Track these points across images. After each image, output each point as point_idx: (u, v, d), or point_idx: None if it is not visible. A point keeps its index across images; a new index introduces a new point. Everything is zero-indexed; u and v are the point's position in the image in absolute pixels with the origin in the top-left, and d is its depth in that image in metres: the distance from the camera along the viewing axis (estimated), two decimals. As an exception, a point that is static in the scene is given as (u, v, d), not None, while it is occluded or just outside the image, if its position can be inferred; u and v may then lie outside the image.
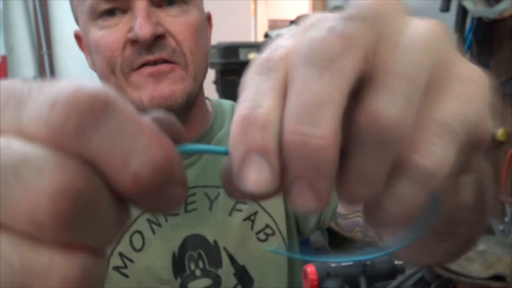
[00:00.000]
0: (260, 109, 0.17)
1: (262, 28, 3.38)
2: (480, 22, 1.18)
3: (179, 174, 0.17)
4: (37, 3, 2.64)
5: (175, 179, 0.17)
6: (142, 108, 0.52)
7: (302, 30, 0.18)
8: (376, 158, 0.17)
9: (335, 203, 0.59)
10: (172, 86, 0.52)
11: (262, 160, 0.17)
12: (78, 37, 0.62)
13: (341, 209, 0.57)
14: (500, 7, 1.05)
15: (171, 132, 0.18)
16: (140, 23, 0.50)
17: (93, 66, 0.58)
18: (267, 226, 0.62)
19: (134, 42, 0.51)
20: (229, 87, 1.96)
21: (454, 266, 0.91)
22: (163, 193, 0.17)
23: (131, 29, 0.51)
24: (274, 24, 3.55)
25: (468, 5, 1.13)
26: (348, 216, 0.56)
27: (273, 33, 2.08)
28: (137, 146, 0.15)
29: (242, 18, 3.19)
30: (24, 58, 2.70)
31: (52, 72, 2.75)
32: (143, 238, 0.57)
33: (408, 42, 0.17)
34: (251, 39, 3.29)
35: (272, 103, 0.17)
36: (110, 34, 0.52)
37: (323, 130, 0.16)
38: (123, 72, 0.53)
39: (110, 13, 0.52)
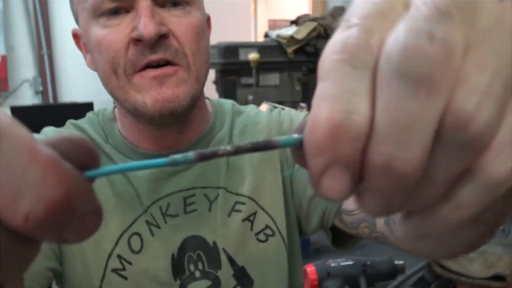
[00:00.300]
0: (356, 118, 0.15)
1: (262, 28, 3.38)
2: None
3: (84, 205, 0.16)
4: (37, 3, 2.64)
5: (79, 211, 0.15)
6: (145, 111, 0.52)
7: (390, 9, 0.16)
8: (452, 163, 0.15)
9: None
10: (175, 89, 0.52)
11: (346, 171, 0.16)
12: (76, 36, 0.61)
13: (346, 205, 0.56)
14: (500, 7, 1.05)
15: (81, 154, 0.17)
16: (144, 22, 0.49)
17: (92, 64, 0.58)
18: (267, 226, 0.61)
19: (137, 41, 0.51)
20: (229, 87, 1.97)
21: (454, 266, 0.91)
22: (67, 226, 0.15)
23: (134, 29, 0.51)
24: (274, 24, 3.55)
25: (468, 5, 1.13)
26: (354, 212, 0.55)
27: (273, 33, 2.08)
28: (29, 182, 0.14)
29: (242, 18, 3.19)
30: (24, 58, 2.70)
31: (52, 72, 2.75)
32: (141, 240, 0.57)
33: (496, 35, 0.15)
34: (251, 39, 3.29)
35: (367, 112, 0.15)
36: (113, 33, 0.51)
37: (412, 155, 0.15)
38: (126, 73, 0.52)
39: (113, 12, 0.52)
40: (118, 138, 0.62)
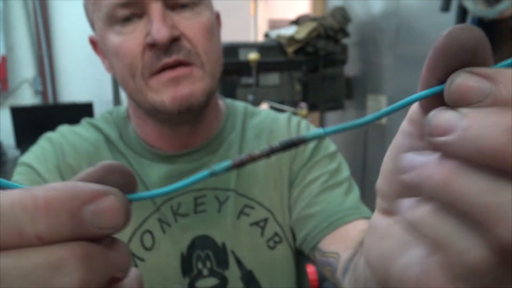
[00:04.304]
0: None
1: (262, 28, 3.38)
2: (480, 22, 1.18)
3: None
4: (37, 3, 2.64)
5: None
6: (164, 109, 0.54)
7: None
8: None
9: (318, 238, 0.58)
10: (192, 86, 0.54)
11: None
12: (93, 42, 0.63)
13: (322, 246, 0.57)
14: (500, 7, 1.05)
15: (122, 180, 0.19)
16: (157, 27, 0.51)
17: (110, 69, 0.59)
18: (276, 234, 0.62)
19: (152, 46, 0.52)
20: (229, 87, 1.96)
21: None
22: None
23: (148, 34, 0.52)
24: (274, 24, 3.55)
25: (468, 5, 1.13)
26: (325, 254, 0.56)
27: (273, 33, 2.08)
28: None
29: (242, 18, 3.18)
30: (24, 58, 2.70)
31: (52, 72, 2.75)
32: (153, 237, 0.58)
33: None
34: (251, 39, 3.29)
35: None
36: (128, 40, 0.53)
37: None
38: (143, 77, 0.54)
39: (126, 18, 0.53)
40: (132, 136, 0.63)
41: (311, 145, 0.64)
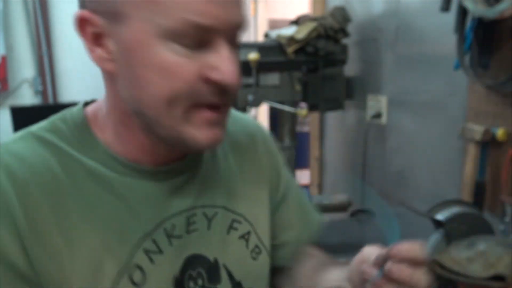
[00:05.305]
0: None
1: (262, 28, 3.38)
2: (480, 22, 1.18)
3: None
4: (37, 3, 2.64)
5: None
6: (194, 145, 0.51)
7: None
8: None
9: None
10: (223, 130, 0.54)
11: None
12: (82, 20, 0.50)
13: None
14: (500, 7, 1.05)
15: None
16: (231, 69, 0.48)
17: (100, 60, 0.51)
18: (256, 246, 0.65)
19: (211, 81, 0.48)
20: (229, 87, 1.97)
21: (454, 266, 0.91)
22: None
23: (213, 68, 0.48)
24: (274, 24, 3.54)
25: (468, 5, 1.13)
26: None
27: (273, 33, 2.08)
28: None
29: (242, 18, 3.18)
30: (24, 58, 2.70)
31: (52, 72, 2.75)
32: (143, 272, 0.54)
33: None
34: (251, 39, 3.29)
35: None
36: (186, 64, 0.47)
37: None
38: (184, 105, 0.49)
39: (190, 41, 0.48)
40: (101, 150, 0.54)
41: (268, 157, 0.73)
